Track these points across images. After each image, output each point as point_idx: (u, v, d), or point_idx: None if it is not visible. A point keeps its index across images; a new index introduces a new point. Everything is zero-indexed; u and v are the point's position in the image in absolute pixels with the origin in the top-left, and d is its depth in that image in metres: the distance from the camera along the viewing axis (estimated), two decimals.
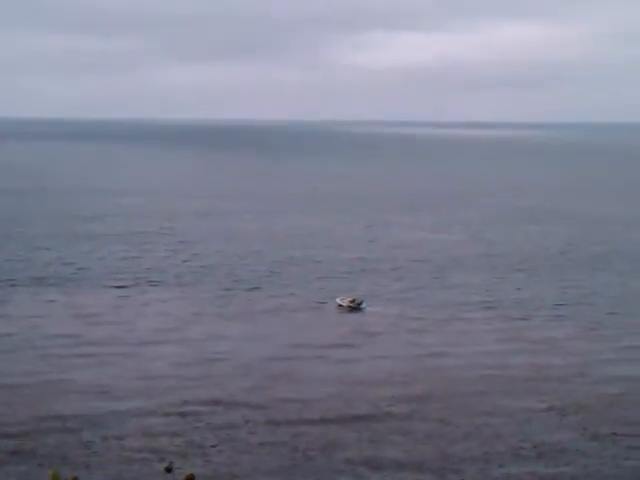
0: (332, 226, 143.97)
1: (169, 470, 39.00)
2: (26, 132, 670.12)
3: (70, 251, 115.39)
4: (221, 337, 75.76)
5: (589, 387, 63.70)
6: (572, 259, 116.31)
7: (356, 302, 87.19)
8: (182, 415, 56.56)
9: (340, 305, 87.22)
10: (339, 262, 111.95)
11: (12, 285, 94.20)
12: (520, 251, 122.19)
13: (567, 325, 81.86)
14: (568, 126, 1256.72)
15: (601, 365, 69.42)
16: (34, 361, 67.95)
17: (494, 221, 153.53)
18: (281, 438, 53.19)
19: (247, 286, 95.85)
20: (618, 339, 76.87)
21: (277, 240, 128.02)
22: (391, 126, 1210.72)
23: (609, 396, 61.79)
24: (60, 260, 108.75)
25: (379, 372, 66.77)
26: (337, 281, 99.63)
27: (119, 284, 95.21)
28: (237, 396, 60.55)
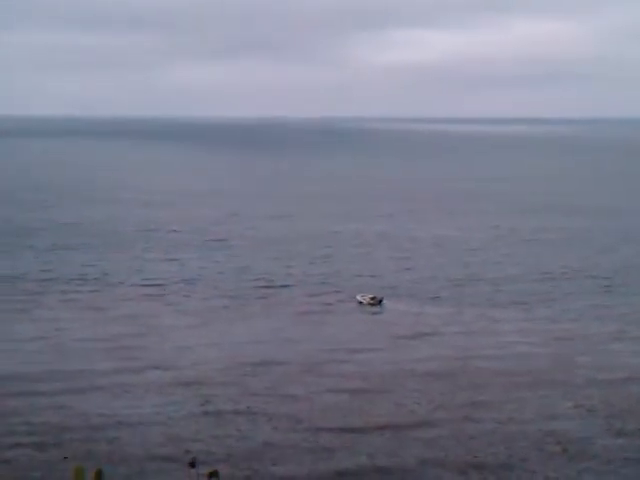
0: (356, 226, 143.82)
1: (193, 465, 39.07)
2: (49, 130, 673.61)
3: (110, 254, 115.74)
4: (243, 337, 75.66)
5: (617, 384, 63.24)
6: (605, 251, 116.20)
7: (377, 299, 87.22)
8: (206, 413, 56.71)
9: (361, 302, 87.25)
10: (361, 259, 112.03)
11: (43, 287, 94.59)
12: (542, 242, 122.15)
13: (595, 320, 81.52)
14: (588, 121, 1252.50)
15: (627, 359, 69.12)
16: (59, 361, 68.24)
17: (511, 215, 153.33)
18: (303, 437, 53.21)
19: (265, 285, 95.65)
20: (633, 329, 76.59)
21: (297, 241, 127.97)
22: (410, 122, 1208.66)
23: (636, 391, 61.47)
24: (88, 262, 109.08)
25: (400, 369, 66.53)
26: (358, 279, 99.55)
27: (149, 285, 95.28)
28: (259, 394, 60.54)
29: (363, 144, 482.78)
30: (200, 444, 51.37)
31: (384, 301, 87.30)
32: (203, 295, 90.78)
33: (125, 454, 50.18)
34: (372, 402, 59.12)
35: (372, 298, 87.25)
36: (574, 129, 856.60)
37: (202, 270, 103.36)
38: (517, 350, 71.39)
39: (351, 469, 48.59)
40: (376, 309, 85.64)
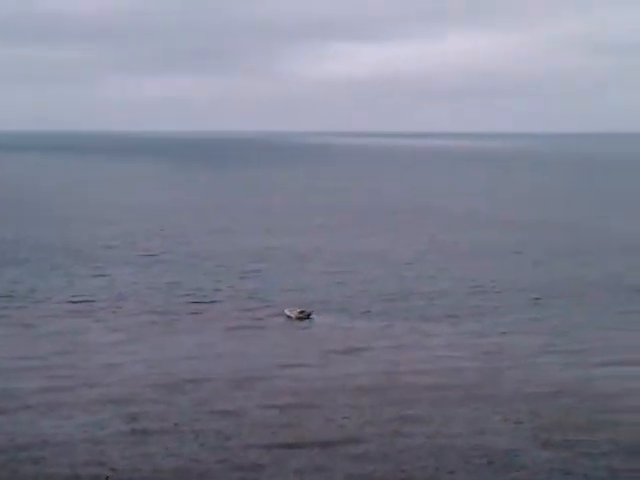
0: (290, 240, 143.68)
1: None
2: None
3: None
4: (172, 353, 74.91)
5: (544, 397, 63.70)
6: (536, 263, 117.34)
7: (305, 313, 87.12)
8: (133, 431, 56.04)
9: (289, 317, 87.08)
10: (292, 273, 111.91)
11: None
12: (477, 256, 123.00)
13: (524, 334, 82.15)
14: (535, 136, 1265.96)
15: (555, 372, 69.70)
16: None
17: (449, 229, 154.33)
18: (232, 453, 52.82)
19: (195, 301, 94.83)
20: (576, 349, 77.16)
21: (230, 256, 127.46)
22: (350, 136, 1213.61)
23: (564, 404, 61.98)
24: (16, 279, 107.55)
25: (329, 384, 66.42)
26: (289, 293, 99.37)
27: (77, 301, 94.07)
28: (188, 411, 59.98)
29: (301, 158, 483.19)
30: (126, 462, 50.78)
31: (313, 315, 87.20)
32: (132, 311, 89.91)
33: (50, 474, 49.40)
34: (301, 418, 58.90)
35: (300, 312, 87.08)
36: (512, 143, 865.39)
37: (132, 286, 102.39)
38: (447, 364, 71.63)
39: None
40: (305, 323, 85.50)
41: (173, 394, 63.49)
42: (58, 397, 62.39)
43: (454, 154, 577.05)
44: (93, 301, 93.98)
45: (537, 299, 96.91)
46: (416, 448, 53.50)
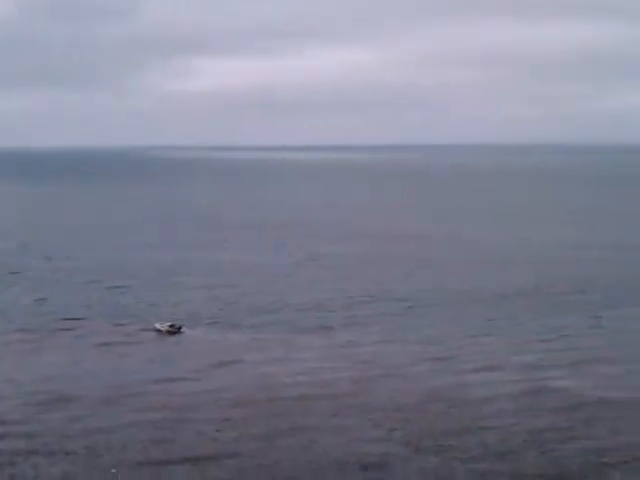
0: (160, 254, 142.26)
1: None
2: None
3: None
4: (40, 371, 73.25)
5: (415, 404, 64.69)
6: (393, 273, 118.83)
7: (175, 327, 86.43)
8: (0, 452, 54.69)
9: (159, 330, 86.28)
10: (162, 288, 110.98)
11: None
12: (349, 267, 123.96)
13: (396, 343, 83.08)
14: (399, 148, 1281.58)
15: (427, 379, 70.66)
16: None
17: (318, 241, 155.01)
18: (102, 471, 52.01)
19: (64, 317, 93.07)
20: (446, 356, 78.40)
21: (97, 271, 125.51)
22: (213, 150, 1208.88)
23: (435, 410, 62.96)
24: None
25: (200, 395, 66.11)
26: (159, 307, 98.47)
27: None
28: (57, 430, 58.88)
29: (169, 173, 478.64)
30: None
31: (183, 329, 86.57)
32: None
33: None
34: (174, 433, 58.30)
35: (171, 326, 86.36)
36: (380, 156, 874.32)
37: None
38: (319, 375, 71.82)
39: None
40: (176, 337, 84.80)
41: (42, 413, 62.13)
42: None
43: (309, 166, 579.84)
44: None
45: (409, 308, 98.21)
46: (290, 460, 53.54)
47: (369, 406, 63.60)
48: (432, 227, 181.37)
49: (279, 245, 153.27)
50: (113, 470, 51.28)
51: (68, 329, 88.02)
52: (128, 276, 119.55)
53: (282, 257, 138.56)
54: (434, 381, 70.03)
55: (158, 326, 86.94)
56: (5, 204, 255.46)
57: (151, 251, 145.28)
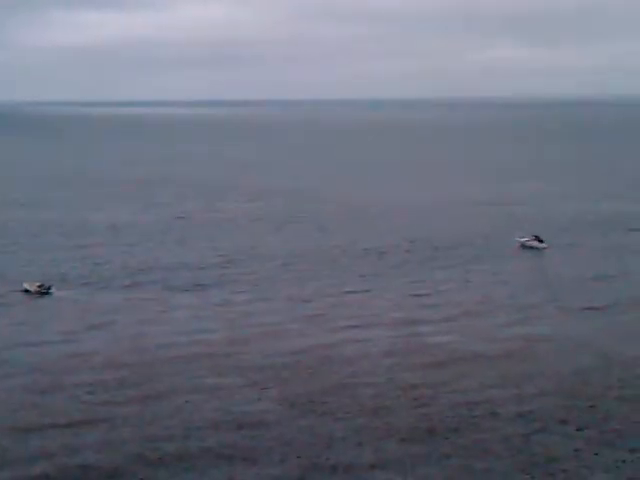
0: (27, 213, 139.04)
1: None
2: None
3: None
4: None
5: (289, 359, 64.95)
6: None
7: (44, 287, 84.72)
8: None
9: (27, 290, 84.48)
10: (24, 247, 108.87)
11: None
12: (220, 225, 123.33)
13: (269, 301, 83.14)
14: (259, 103, 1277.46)
15: (300, 338, 70.91)
16: None
17: (188, 198, 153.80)
18: None
19: None
20: (319, 314, 78.73)
21: None
22: (86, 106, 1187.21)
23: (307, 364, 63.29)
24: None
25: (71, 358, 65.07)
26: (24, 268, 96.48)
27: None
28: None
29: (40, 129, 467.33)
30: None
31: (53, 289, 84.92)
32: None
33: None
34: (46, 398, 57.15)
35: (40, 286, 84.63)
36: (255, 110, 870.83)
37: None
38: (193, 335, 71.26)
39: (29, 474, 46.57)
40: (45, 298, 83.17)
41: None
42: None
43: (183, 121, 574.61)
44: None
45: (282, 265, 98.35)
46: (165, 419, 53.16)
47: (243, 365, 63.53)
48: (303, 183, 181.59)
49: (150, 203, 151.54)
50: None
51: None
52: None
53: (153, 215, 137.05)
54: (307, 339, 70.30)
55: (27, 286, 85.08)
56: None
57: (20, 210, 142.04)
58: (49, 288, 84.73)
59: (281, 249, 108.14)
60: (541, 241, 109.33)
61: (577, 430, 51.37)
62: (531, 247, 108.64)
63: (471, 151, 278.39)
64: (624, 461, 47.40)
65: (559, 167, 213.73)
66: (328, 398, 56.67)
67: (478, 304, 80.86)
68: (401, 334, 71.23)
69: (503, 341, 69.34)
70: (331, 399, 56.50)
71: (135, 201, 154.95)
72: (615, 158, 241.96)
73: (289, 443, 49.72)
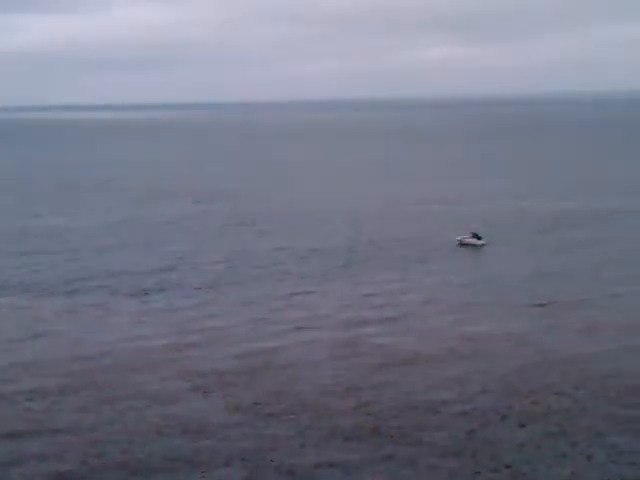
0: None
1: None
2: None
3: None
4: None
5: (231, 361, 64.81)
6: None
7: None
8: None
9: None
10: None
11: None
12: (158, 229, 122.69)
13: (212, 305, 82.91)
14: (199, 106, 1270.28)
15: (244, 341, 70.73)
16: None
17: (130, 203, 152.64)
18: None
19: None
20: (263, 317, 78.64)
21: None
22: (17, 111, 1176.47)
23: (251, 367, 63.16)
24: None
25: (11, 366, 64.37)
26: None
27: None
28: None
29: None
30: None
31: None
32: None
33: None
34: None
35: None
36: (185, 113, 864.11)
37: None
38: (135, 342, 70.67)
39: None
40: None
41: None
42: None
43: (118, 126, 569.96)
44: None
45: (227, 268, 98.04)
46: (106, 424, 52.81)
47: (184, 369, 63.25)
48: (241, 186, 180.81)
49: (90, 207, 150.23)
50: None
51: None
52: None
53: (92, 220, 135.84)
54: (251, 343, 70.11)
55: None
56: None
57: None
58: None
59: (224, 252, 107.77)
60: (479, 238, 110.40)
61: (520, 426, 51.88)
62: (469, 244, 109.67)
63: (406, 151, 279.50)
64: (565, 455, 47.98)
65: (496, 165, 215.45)
66: (271, 400, 56.61)
67: (420, 304, 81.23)
68: (345, 335, 71.36)
69: (446, 340, 69.73)
70: (274, 401, 56.45)
71: (72, 206, 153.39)
72: (554, 156, 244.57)
73: (233, 446, 49.58)
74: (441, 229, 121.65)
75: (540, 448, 48.82)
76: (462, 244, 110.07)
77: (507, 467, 46.72)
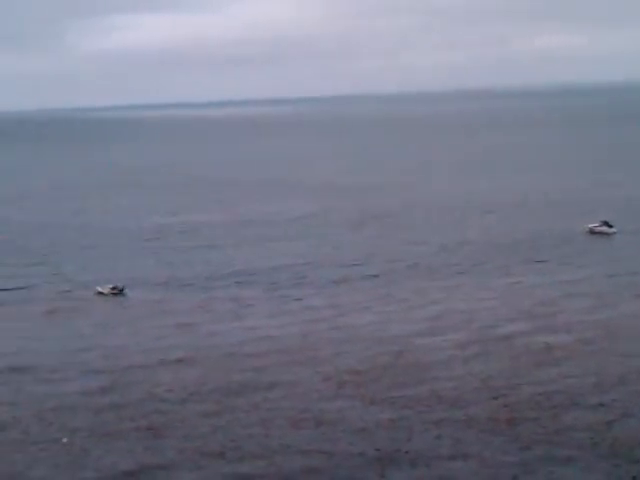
0: (86, 218, 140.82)
1: None
2: None
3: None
4: None
5: (362, 353, 64.96)
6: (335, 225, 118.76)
7: (118, 288, 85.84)
8: None
9: (101, 292, 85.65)
10: (97, 251, 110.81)
11: None
12: (277, 222, 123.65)
13: (329, 292, 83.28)
14: (315, 100, 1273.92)
15: (371, 330, 70.87)
16: None
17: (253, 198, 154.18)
18: (53, 434, 51.57)
19: (2, 288, 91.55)
20: (393, 309, 78.50)
21: (26, 236, 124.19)
22: (139, 109, 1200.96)
23: (384, 360, 63.13)
24: None
25: (149, 358, 65.73)
26: (93, 270, 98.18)
27: None
28: (2, 396, 58.36)
29: (97, 134, 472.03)
30: None
31: (126, 290, 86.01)
32: None
33: None
34: (124, 397, 57.72)
35: (113, 288, 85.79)
36: (310, 108, 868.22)
37: None
38: (266, 332, 71.52)
39: (114, 473, 47.21)
40: (119, 300, 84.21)
41: None
42: None
43: (247, 121, 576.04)
44: None
45: (365, 262, 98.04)
46: (243, 417, 53.39)
47: (316, 360, 63.61)
48: (377, 179, 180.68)
49: (222, 203, 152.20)
50: (64, 440, 50.72)
51: (11, 299, 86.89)
52: (66, 242, 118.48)
53: (226, 216, 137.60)
54: (382, 333, 70.21)
55: (100, 289, 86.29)
56: None
57: (79, 215, 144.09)
58: (122, 290, 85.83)
59: (359, 247, 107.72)
60: (610, 226, 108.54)
61: None
62: (600, 232, 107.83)
63: (537, 141, 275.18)
64: None
65: (629, 154, 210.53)
66: (405, 391, 56.52)
67: (555, 296, 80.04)
68: (477, 328, 70.81)
69: (581, 331, 68.55)
70: (408, 392, 56.34)
71: (205, 202, 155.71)
72: None
73: (368, 437, 49.64)
74: (570, 217, 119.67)
75: None
76: (593, 232, 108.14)
77: None
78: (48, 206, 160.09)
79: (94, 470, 46.92)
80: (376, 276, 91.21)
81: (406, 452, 47.55)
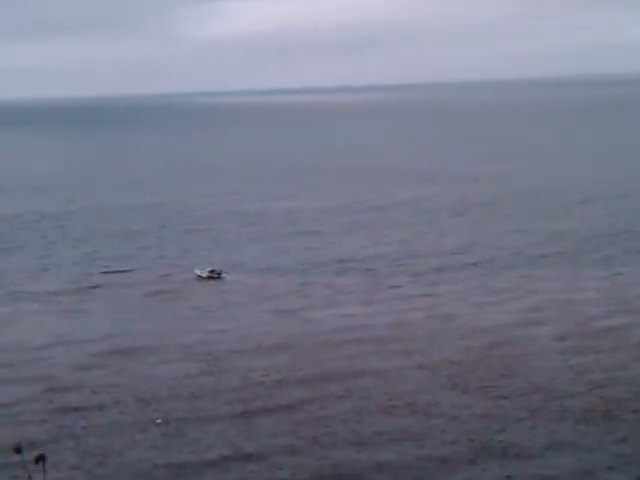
0: (202, 200, 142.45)
1: (18, 451, 37.77)
2: None
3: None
4: (86, 324, 74.14)
5: (457, 342, 64.69)
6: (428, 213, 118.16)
7: (216, 272, 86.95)
8: (50, 401, 55.41)
9: (199, 276, 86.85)
10: (194, 235, 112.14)
11: None
12: (366, 209, 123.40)
13: (426, 281, 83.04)
14: (411, 87, 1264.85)
15: (467, 320, 70.51)
16: None
17: (348, 185, 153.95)
18: (150, 416, 52.52)
19: (106, 270, 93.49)
20: (489, 300, 77.97)
21: (131, 217, 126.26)
22: (242, 95, 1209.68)
23: (477, 350, 62.81)
24: None
25: (246, 343, 66.44)
26: (193, 254, 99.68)
27: None
28: (103, 378, 59.61)
29: (207, 120, 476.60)
30: (45, 433, 49.95)
31: (223, 274, 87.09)
32: (51, 282, 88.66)
33: None
34: (220, 382, 58.44)
35: (211, 271, 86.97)
36: (406, 95, 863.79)
37: (41, 260, 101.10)
38: (360, 320, 71.66)
39: (207, 458, 47.94)
40: (217, 284, 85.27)
41: (93, 366, 62.81)
42: None
43: (352, 109, 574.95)
44: None
45: (464, 250, 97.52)
46: (336, 404, 53.65)
47: (411, 350, 63.49)
48: (480, 167, 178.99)
49: (321, 190, 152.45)
50: (158, 421, 51.65)
51: (113, 282, 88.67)
52: (165, 226, 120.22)
53: (325, 202, 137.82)
54: (475, 322, 69.82)
55: (198, 272, 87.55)
56: (66, 154, 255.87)
57: (196, 197, 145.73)
58: (219, 274, 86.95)
59: (458, 235, 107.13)
60: None
61: None
62: None
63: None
64: None
65: None
66: (500, 380, 56.15)
67: None
68: (572, 319, 69.99)
69: None
70: (503, 381, 55.97)
71: (303, 189, 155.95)
72: None
73: (461, 426, 49.47)
74: None
75: None
76: None
77: None
78: (160, 190, 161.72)
79: (189, 453, 47.60)
80: (475, 265, 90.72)
81: (499, 441, 47.25)
